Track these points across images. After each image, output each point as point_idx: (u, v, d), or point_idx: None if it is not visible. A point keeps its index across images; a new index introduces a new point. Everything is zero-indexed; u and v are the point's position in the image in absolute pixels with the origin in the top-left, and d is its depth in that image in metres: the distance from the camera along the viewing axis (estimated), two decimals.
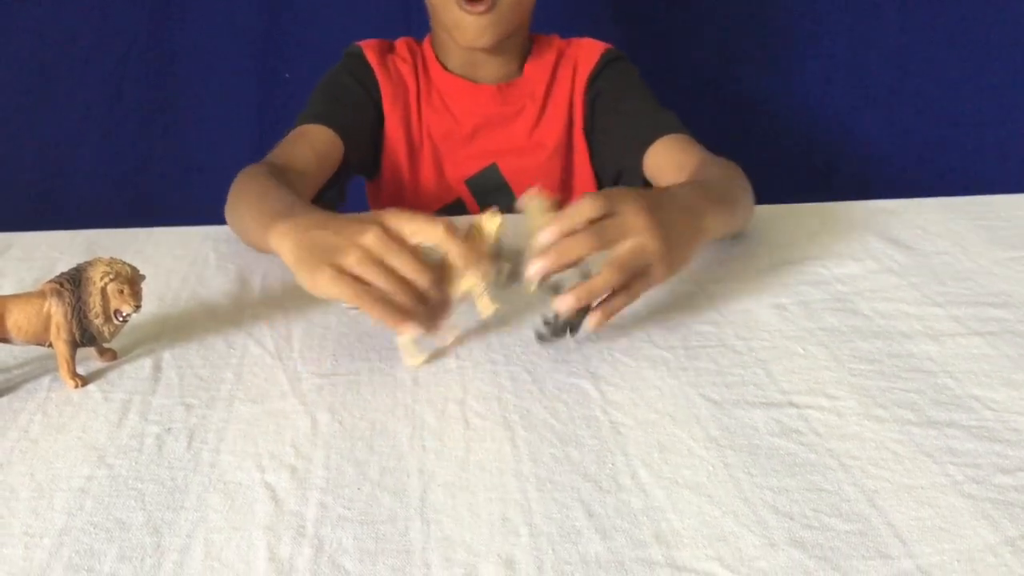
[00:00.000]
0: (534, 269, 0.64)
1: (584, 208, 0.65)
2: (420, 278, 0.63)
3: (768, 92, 1.51)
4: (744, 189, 0.88)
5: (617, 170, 1.08)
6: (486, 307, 0.69)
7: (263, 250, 0.78)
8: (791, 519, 0.50)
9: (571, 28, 1.17)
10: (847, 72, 1.50)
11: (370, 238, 0.63)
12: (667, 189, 0.78)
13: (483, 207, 1.06)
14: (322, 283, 0.63)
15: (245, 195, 0.84)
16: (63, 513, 0.51)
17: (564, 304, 0.65)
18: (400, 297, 0.63)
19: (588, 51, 1.12)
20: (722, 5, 1.46)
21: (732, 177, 0.88)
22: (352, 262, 0.63)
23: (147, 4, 1.37)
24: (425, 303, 0.65)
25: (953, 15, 1.46)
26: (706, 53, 1.49)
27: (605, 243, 0.65)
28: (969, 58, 1.48)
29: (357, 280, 0.62)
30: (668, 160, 0.98)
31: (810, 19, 1.47)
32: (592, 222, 0.65)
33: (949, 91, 1.50)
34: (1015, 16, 1.46)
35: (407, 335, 0.66)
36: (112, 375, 0.66)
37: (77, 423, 0.60)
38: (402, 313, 0.63)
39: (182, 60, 1.41)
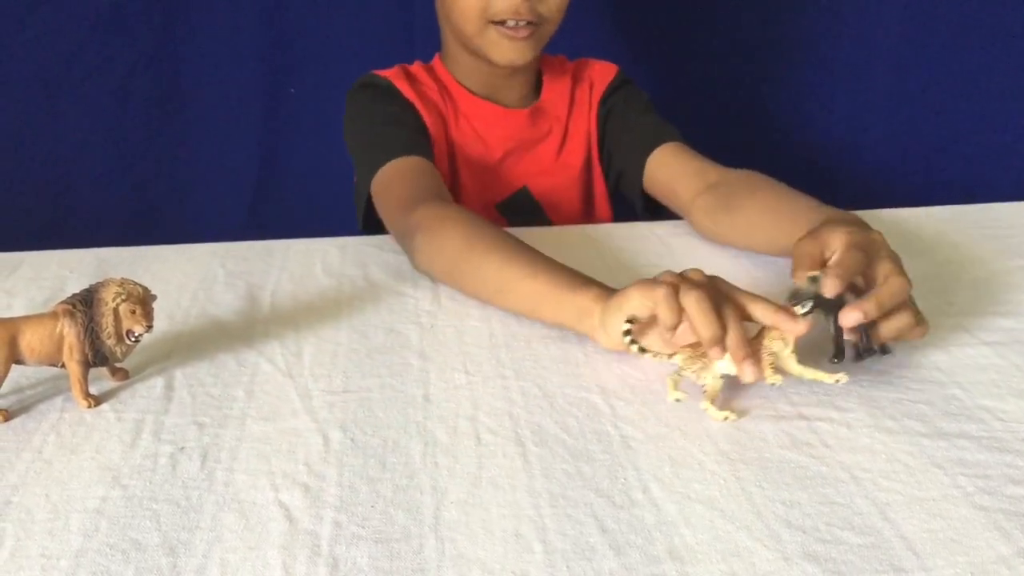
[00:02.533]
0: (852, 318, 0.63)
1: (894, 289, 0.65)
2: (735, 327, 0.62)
3: (770, 102, 1.52)
4: None
5: (617, 173, 1.12)
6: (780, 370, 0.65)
7: (514, 312, 0.77)
8: (804, 533, 0.50)
9: (573, 39, 1.17)
10: (849, 81, 1.50)
11: (701, 283, 0.64)
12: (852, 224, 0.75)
13: (512, 226, 1.07)
14: (661, 292, 0.62)
15: (484, 254, 0.79)
16: (79, 535, 0.52)
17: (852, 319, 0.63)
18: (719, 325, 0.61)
19: (602, 72, 1.14)
20: (723, 17, 1.47)
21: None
22: (685, 286, 0.63)
23: (152, 20, 1.38)
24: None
25: (954, 23, 1.46)
26: (708, 65, 1.49)
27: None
28: (971, 65, 1.48)
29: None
30: (681, 164, 1.01)
31: (811, 29, 1.48)
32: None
33: (952, 99, 1.50)
34: (1016, 23, 1.46)
35: (712, 393, 0.63)
36: (124, 394, 0.66)
37: (91, 443, 0.60)
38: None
39: (188, 75, 1.42)
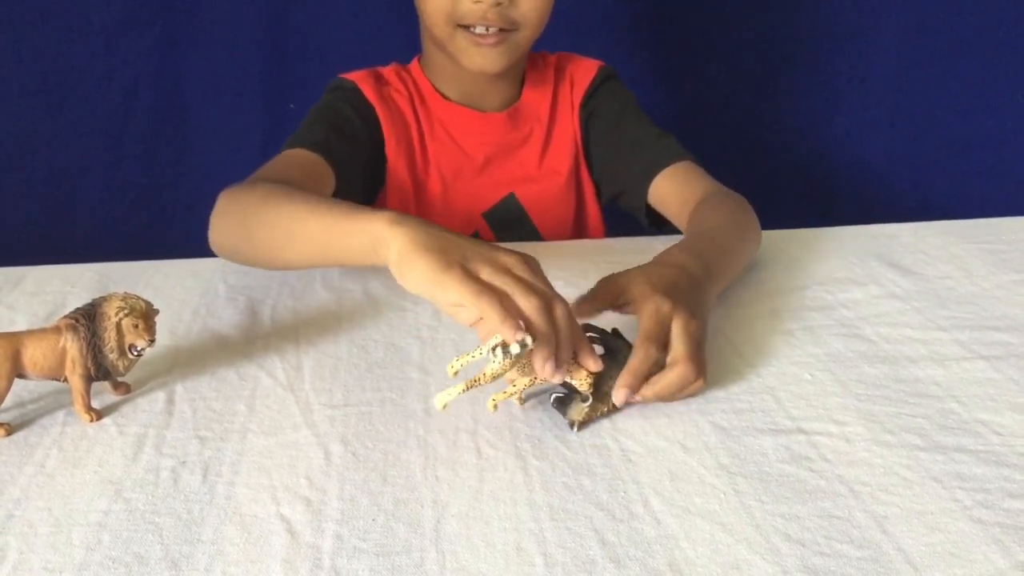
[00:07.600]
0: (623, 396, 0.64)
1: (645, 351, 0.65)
2: (558, 304, 0.61)
3: (768, 117, 1.53)
4: (746, 230, 0.89)
5: (615, 192, 1.08)
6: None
7: (305, 258, 0.75)
8: (803, 546, 0.51)
9: (574, 48, 1.16)
10: (847, 96, 1.51)
11: (509, 258, 0.62)
12: (672, 264, 0.75)
13: (502, 240, 1.06)
14: (451, 280, 0.58)
15: (279, 202, 0.75)
16: (82, 548, 0.52)
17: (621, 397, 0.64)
18: (534, 313, 0.59)
19: (583, 69, 1.10)
20: (723, 29, 1.47)
21: (733, 221, 0.88)
22: (487, 272, 0.60)
23: (153, 36, 1.39)
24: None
25: (952, 38, 1.47)
26: (707, 79, 1.50)
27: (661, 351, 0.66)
28: (969, 81, 1.49)
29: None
30: (673, 194, 0.98)
31: (810, 44, 1.49)
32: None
33: (949, 114, 1.51)
34: (1016, 37, 1.47)
35: (456, 387, 0.60)
36: (126, 408, 0.67)
37: (93, 457, 0.61)
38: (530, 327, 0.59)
39: (189, 90, 1.42)
